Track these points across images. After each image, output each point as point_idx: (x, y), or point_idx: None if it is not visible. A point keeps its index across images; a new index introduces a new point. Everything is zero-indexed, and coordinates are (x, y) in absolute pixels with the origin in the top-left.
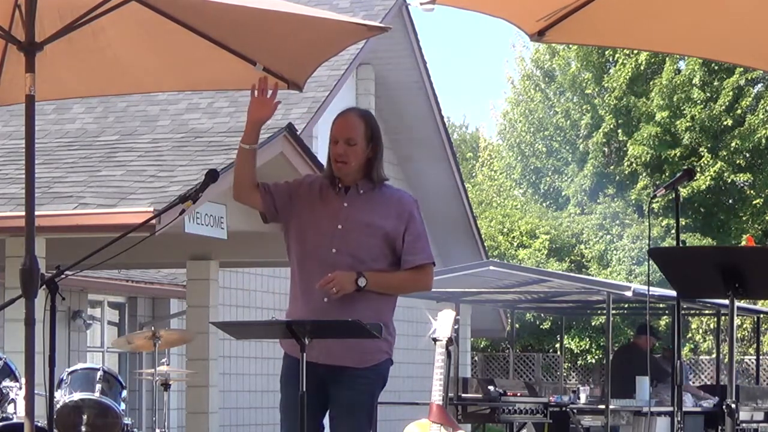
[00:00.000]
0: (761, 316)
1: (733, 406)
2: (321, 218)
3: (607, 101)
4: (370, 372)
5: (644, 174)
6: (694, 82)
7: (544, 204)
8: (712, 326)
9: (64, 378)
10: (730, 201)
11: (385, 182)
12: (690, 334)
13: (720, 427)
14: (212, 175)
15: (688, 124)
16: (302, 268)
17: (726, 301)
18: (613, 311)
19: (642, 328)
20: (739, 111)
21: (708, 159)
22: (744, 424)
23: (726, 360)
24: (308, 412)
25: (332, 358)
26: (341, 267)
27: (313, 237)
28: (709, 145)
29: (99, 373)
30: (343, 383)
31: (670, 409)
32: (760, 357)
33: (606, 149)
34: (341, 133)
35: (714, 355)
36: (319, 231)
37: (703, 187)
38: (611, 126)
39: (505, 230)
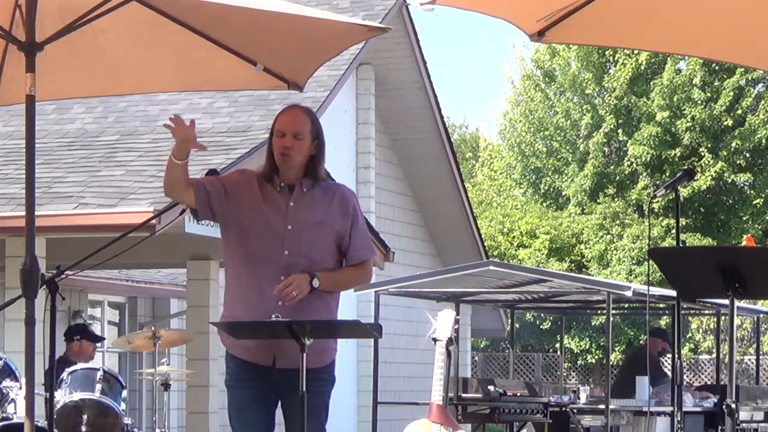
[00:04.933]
0: (761, 316)
1: (733, 406)
2: (267, 218)
3: (607, 101)
4: (324, 372)
5: (644, 174)
6: (694, 82)
7: (544, 204)
8: (712, 326)
9: (64, 378)
10: (731, 201)
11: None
12: (690, 334)
13: (720, 427)
14: (212, 175)
15: (688, 124)
16: (251, 269)
17: (726, 301)
18: (613, 311)
19: (654, 331)
20: (739, 111)
21: (708, 159)
22: (744, 424)
23: (726, 360)
24: (263, 414)
25: (290, 361)
26: (296, 269)
27: (260, 238)
28: (709, 145)
29: (99, 373)
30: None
31: (670, 409)
32: (760, 357)
33: (606, 149)
34: (289, 127)
35: (714, 355)
36: (267, 231)
37: (704, 187)
38: (611, 126)
39: (505, 230)
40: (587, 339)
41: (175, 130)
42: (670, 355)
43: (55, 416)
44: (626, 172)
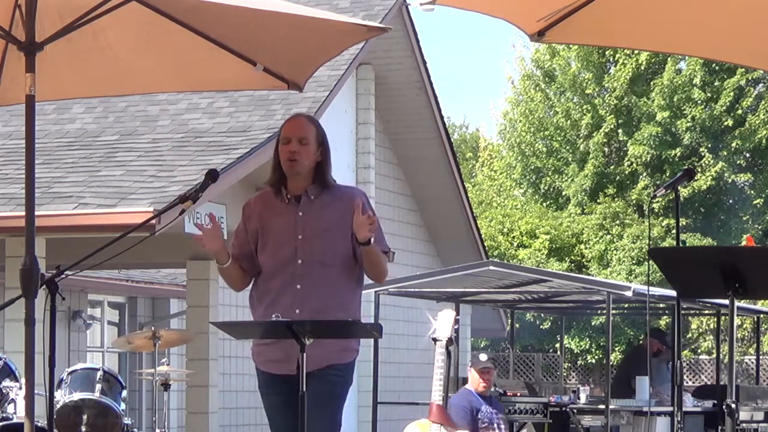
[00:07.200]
0: (761, 316)
1: (733, 406)
2: (279, 232)
3: (607, 101)
4: (346, 368)
5: (644, 174)
6: (694, 82)
7: (544, 204)
8: (712, 326)
9: (64, 378)
10: (731, 201)
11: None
12: (690, 334)
13: (720, 427)
14: (212, 175)
15: (688, 124)
16: (270, 282)
17: (726, 301)
18: (613, 311)
19: (651, 332)
20: (739, 111)
21: (708, 159)
22: (744, 424)
23: (726, 360)
24: (290, 419)
25: (313, 363)
26: (311, 276)
27: (275, 253)
28: (709, 146)
29: (99, 373)
30: (320, 378)
31: (670, 409)
32: (760, 357)
33: (606, 149)
34: (294, 133)
35: (714, 355)
36: (281, 245)
37: (704, 187)
38: (612, 126)
39: (505, 230)
40: (587, 339)
41: (206, 238)
42: (666, 356)
43: (55, 416)
44: (626, 172)
